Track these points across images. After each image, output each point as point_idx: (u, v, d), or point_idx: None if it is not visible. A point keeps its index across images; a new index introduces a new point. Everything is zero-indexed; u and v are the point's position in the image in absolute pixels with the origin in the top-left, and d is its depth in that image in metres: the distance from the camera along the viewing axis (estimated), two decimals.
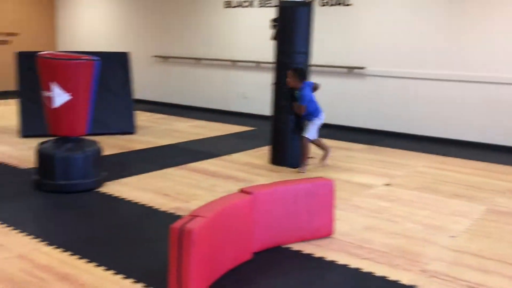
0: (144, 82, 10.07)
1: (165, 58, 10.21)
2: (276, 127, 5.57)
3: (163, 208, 4.00)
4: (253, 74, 9.02)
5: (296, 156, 5.46)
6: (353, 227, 3.72)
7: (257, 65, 8.89)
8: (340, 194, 4.29)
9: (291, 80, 5.17)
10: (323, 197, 3.41)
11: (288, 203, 3.25)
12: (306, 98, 5.14)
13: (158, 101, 10.32)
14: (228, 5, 9.22)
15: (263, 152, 6.15)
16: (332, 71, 8.10)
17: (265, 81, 8.50)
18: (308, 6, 5.35)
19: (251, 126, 8.17)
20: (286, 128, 5.44)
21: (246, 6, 8.98)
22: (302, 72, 5.18)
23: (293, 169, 5.37)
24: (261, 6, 8.78)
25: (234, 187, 4.64)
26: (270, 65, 7.91)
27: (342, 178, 5.03)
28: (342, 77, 8.08)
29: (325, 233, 3.45)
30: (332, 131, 7.89)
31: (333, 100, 8.13)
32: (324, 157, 5.53)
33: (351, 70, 7.96)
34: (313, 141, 5.45)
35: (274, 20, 5.52)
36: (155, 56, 10.30)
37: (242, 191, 3.13)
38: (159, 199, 4.24)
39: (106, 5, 11.12)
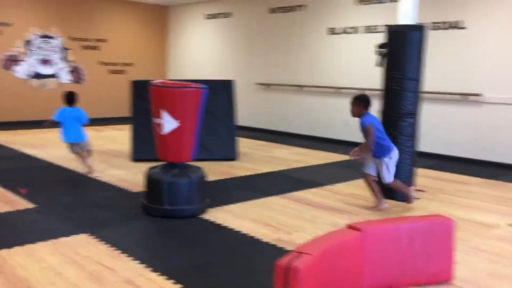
0: (247, 109, 10.24)
1: (267, 86, 10.32)
2: None
3: (265, 239, 3.88)
4: None
5: None
6: (476, 273, 3.30)
7: (361, 92, 8.60)
8: (458, 234, 3.87)
9: (355, 109, 4.68)
10: (441, 238, 3.07)
11: (402, 243, 2.96)
12: (366, 123, 4.58)
13: (260, 128, 10.41)
14: (332, 32, 9.11)
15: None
16: (445, 98, 7.58)
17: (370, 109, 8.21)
18: (420, 30, 5.05)
19: None
20: None
21: (351, 33, 8.80)
22: (365, 100, 4.67)
23: (400, 203, 5.01)
24: (366, 32, 8.54)
25: (338, 220, 4.43)
26: (374, 92, 7.61)
27: (458, 216, 4.56)
28: (456, 105, 7.52)
29: (444, 278, 3.09)
30: (446, 162, 7.35)
31: (446, 129, 7.61)
32: (375, 206, 4.83)
33: (466, 97, 7.39)
34: (368, 179, 4.76)
35: (381, 46, 5.28)
36: (258, 84, 10.45)
37: (350, 227, 2.91)
38: (261, 229, 4.14)
39: (213, 36, 11.59)
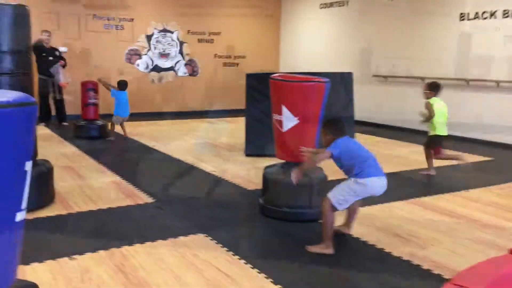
0: (363, 103, 9.67)
1: (385, 78, 9.66)
2: None
3: (395, 253, 3.45)
4: (491, 95, 7.80)
5: None
6: None
7: (497, 84, 7.65)
8: None
9: (322, 136, 3.62)
10: None
11: None
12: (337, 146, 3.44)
13: (377, 123, 9.80)
14: (465, 17, 8.20)
15: (510, 190, 5.09)
16: None
17: (506, 103, 7.27)
18: None
19: (487, 156, 7.03)
20: None
21: (486, 18, 7.84)
22: (337, 124, 3.54)
23: None
24: (505, 17, 7.55)
25: (481, 234, 3.85)
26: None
27: None
28: None
29: None
30: None
31: None
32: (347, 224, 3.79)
33: None
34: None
35: None
36: (375, 76, 9.82)
37: None
38: (388, 239, 3.72)
39: (327, 25, 11.14)
